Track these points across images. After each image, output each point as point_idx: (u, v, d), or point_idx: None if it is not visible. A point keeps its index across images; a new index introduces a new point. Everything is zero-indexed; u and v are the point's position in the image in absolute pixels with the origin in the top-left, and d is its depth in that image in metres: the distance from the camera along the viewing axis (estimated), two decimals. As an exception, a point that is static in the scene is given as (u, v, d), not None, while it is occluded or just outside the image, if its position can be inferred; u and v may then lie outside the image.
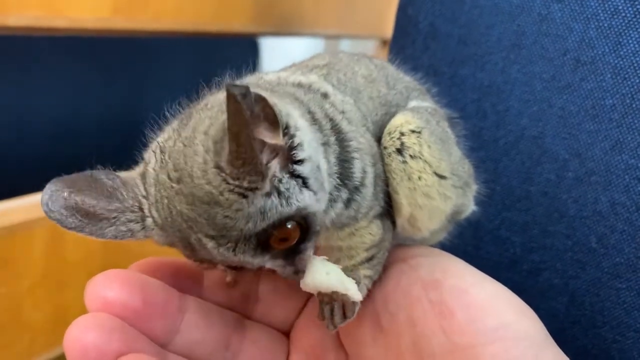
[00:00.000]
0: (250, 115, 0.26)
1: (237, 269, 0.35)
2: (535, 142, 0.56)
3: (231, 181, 0.29)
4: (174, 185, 0.31)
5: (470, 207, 0.45)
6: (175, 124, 0.34)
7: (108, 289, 0.34)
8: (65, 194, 0.31)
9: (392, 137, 0.38)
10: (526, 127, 0.56)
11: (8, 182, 0.85)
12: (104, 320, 0.32)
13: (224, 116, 0.28)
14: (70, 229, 0.31)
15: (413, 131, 0.38)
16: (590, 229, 0.54)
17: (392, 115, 0.40)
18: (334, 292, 0.35)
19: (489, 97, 0.58)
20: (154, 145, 0.34)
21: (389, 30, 0.68)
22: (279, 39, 1.33)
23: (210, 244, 0.31)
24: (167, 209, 0.31)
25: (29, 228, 0.79)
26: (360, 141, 0.36)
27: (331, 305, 0.36)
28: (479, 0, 0.58)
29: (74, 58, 0.98)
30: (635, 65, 0.50)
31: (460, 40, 0.59)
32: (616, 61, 0.51)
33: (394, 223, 0.41)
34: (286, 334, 0.43)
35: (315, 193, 0.32)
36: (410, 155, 0.38)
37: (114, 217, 0.32)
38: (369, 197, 0.37)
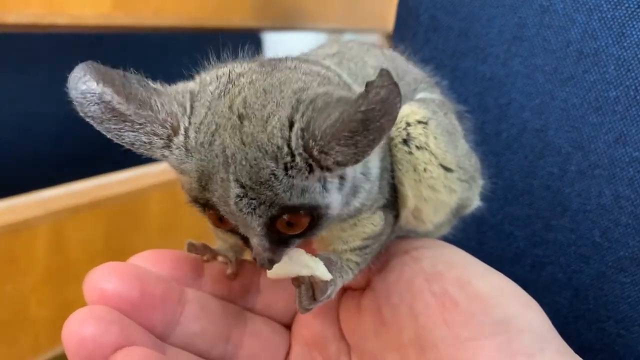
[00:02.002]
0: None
1: (219, 226, 0.33)
2: (537, 135, 0.55)
3: (304, 151, 0.28)
4: (233, 117, 0.30)
5: (475, 202, 0.45)
6: (253, 65, 0.33)
7: (106, 281, 0.34)
8: (96, 79, 0.29)
9: (399, 128, 0.38)
10: (528, 120, 0.56)
11: (11, 179, 0.85)
12: (102, 313, 0.32)
13: (338, 92, 0.27)
14: (88, 117, 0.29)
15: (419, 122, 0.38)
16: (594, 223, 0.53)
17: None
18: (300, 276, 0.35)
19: (490, 90, 0.57)
20: (220, 72, 0.33)
21: (391, 24, 0.67)
22: (282, 34, 1.33)
23: (235, 190, 0.29)
24: (211, 136, 0.30)
25: (33, 225, 0.79)
26: None
27: (300, 288, 0.36)
28: (480, -8, 0.58)
29: (74, 55, 0.98)
30: (639, 56, 0.49)
31: (461, 32, 0.59)
32: (619, 52, 0.50)
33: (396, 217, 0.41)
34: (287, 326, 0.43)
35: (342, 197, 0.32)
36: (417, 146, 0.37)
37: (140, 124, 0.30)
38: (374, 191, 0.36)
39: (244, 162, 0.29)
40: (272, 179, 0.29)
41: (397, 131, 0.38)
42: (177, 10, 0.91)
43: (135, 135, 0.30)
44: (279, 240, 0.32)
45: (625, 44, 0.50)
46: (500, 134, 0.57)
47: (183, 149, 0.31)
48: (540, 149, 0.55)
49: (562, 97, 0.54)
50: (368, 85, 0.25)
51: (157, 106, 0.30)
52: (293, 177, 0.29)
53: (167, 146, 0.31)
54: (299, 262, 0.35)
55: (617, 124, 0.51)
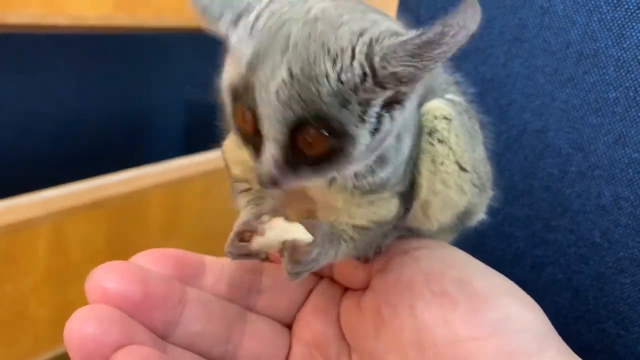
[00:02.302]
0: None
1: (241, 125, 0.33)
2: (538, 136, 0.55)
3: (366, 56, 0.28)
4: (309, 17, 0.30)
5: (480, 214, 0.45)
6: None
7: (108, 280, 0.34)
8: None
9: (427, 119, 0.39)
10: (529, 121, 0.56)
11: (12, 179, 0.85)
12: (103, 312, 0.32)
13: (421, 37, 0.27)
14: None
15: (445, 117, 0.38)
16: (593, 224, 0.53)
17: (428, 99, 0.40)
18: (283, 243, 0.35)
19: (491, 91, 0.57)
20: None
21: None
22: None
23: (283, 75, 0.29)
24: (281, 24, 0.30)
25: (33, 226, 0.79)
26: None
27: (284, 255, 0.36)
28: (480, -7, 0.58)
29: (75, 55, 0.98)
30: (639, 57, 0.49)
31: (461, 33, 0.59)
32: (619, 54, 0.50)
33: (405, 211, 0.41)
34: (288, 326, 0.43)
35: (370, 149, 0.32)
36: (439, 139, 0.38)
37: None
38: (400, 171, 0.37)
39: (303, 53, 0.29)
40: (323, 78, 0.29)
41: (426, 121, 0.39)
42: (178, 10, 0.91)
43: (211, 2, 0.31)
44: (292, 162, 0.31)
45: (624, 46, 0.50)
46: (501, 134, 0.57)
47: (248, 29, 0.31)
48: (541, 150, 0.56)
49: (562, 98, 0.54)
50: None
51: None
52: (342, 83, 0.29)
53: (234, 22, 0.31)
54: (279, 229, 0.35)
55: (617, 125, 0.51)
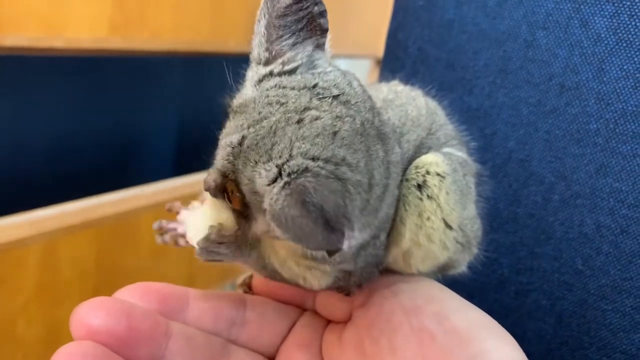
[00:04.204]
0: None
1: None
2: (522, 165, 0.57)
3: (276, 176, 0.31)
4: (296, 116, 0.32)
5: (462, 267, 0.46)
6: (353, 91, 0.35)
7: (93, 316, 0.34)
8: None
9: (419, 172, 0.39)
10: (513, 150, 0.57)
11: (2, 199, 0.86)
12: (89, 349, 0.32)
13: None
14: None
15: (438, 174, 0.39)
16: (576, 251, 0.54)
17: (422, 154, 0.41)
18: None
19: (476, 120, 0.59)
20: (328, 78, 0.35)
21: (382, 50, 0.69)
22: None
23: (235, 137, 0.33)
24: (278, 99, 0.33)
25: (24, 245, 0.79)
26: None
27: None
28: (466, 26, 0.59)
29: (70, 76, 0.99)
30: (618, 91, 0.51)
31: (448, 64, 0.60)
32: (600, 87, 0.52)
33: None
34: (271, 358, 0.43)
35: None
36: (428, 195, 0.39)
37: (269, 38, 0.35)
38: (349, 253, 0.37)
39: (258, 136, 0.32)
40: (253, 163, 0.32)
41: (415, 175, 0.39)
42: (173, 34, 0.92)
43: (259, 39, 0.35)
44: (224, 190, 0.35)
45: (604, 79, 0.52)
46: (486, 163, 0.58)
47: (257, 77, 0.35)
48: (525, 178, 0.57)
49: (545, 128, 0.55)
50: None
51: (286, 45, 0.35)
52: (257, 177, 0.31)
53: (258, 63, 0.35)
54: (203, 212, 0.39)
55: (598, 155, 0.53)
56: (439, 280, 0.43)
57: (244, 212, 0.35)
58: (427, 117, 0.44)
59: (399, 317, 0.37)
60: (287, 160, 0.30)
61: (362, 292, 0.42)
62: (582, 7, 0.53)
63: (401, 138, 0.41)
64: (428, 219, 0.39)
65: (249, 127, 0.32)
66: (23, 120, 0.94)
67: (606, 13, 0.51)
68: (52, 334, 0.85)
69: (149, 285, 0.39)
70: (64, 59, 0.94)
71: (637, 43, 0.50)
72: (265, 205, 0.30)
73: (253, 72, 0.35)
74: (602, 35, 0.52)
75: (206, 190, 0.36)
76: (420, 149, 0.42)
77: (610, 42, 0.51)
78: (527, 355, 0.35)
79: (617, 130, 0.52)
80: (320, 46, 0.36)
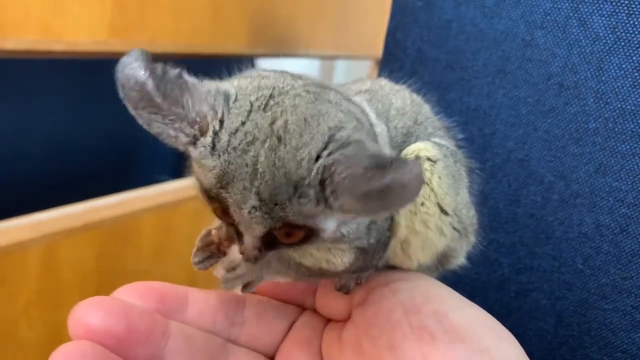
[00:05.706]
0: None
1: (220, 217, 0.35)
2: (521, 164, 0.57)
3: (319, 185, 0.30)
4: (273, 138, 0.31)
5: (460, 258, 0.45)
6: (297, 85, 0.34)
7: (92, 316, 0.34)
8: (143, 68, 0.30)
9: (409, 159, 0.38)
10: (512, 150, 0.57)
11: (3, 202, 0.86)
12: (87, 348, 0.32)
13: (371, 145, 0.31)
14: (126, 100, 0.30)
15: (428, 158, 0.39)
16: (576, 251, 0.54)
17: (410, 143, 0.41)
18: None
19: (475, 120, 0.59)
20: (262, 83, 0.33)
21: (381, 51, 0.69)
22: (276, 60, 1.35)
23: (253, 202, 0.31)
24: (246, 145, 0.31)
25: (25, 248, 0.79)
26: None
27: None
28: (464, 27, 0.60)
29: (70, 79, 0.99)
30: (616, 89, 0.51)
31: (447, 65, 0.61)
32: (598, 86, 0.52)
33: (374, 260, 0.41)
34: (270, 358, 0.43)
35: (337, 225, 0.34)
36: None
37: (170, 120, 0.31)
38: (362, 228, 0.37)
39: (269, 182, 0.30)
40: (287, 202, 0.30)
41: None
42: (173, 36, 0.93)
43: (164, 128, 0.31)
44: (271, 243, 0.33)
45: (603, 78, 0.52)
46: (485, 163, 0.58)
47: (209, 148, 0.31)
48: (524, 178, 0.57)
49: (544, 128, 0.55)
50: (400, 162, 0.27)
51: (188, 105, 0.31)
52: (304, 205, 0.30)
53: (193, 143, 0.32)
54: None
55: (597, 154, 0.53)
56: (440, 279, 0.43)
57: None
58: (413, 108, 0.44)
59: (398, 316, 0.37)
60: (309, 174, 0.30)
61: (361, 291, 0.42)
62: (580, 6, 0.53)
63: (388, 123, 0.41)
64: (422, 204, 0.39)
65: (252, 182, 0.31)
66: (24, 123, 0.94)
67: (604, 12, 0.52)
68: (53, 336, 0.85)
69: (148, 284, 0.39)
70: (64, 62, 0.94)
71: (636, 41, 0.50)
72: (336, 204, 0.29)
73: (198, 152, 0.32)
74: (600, 34, 0.52)
75: (251, 261, 0.35)
76: (409, 138, 0.41)
77: (609, 41, 0.51)
78: (528, 354, 0.36)
79: (616, 129, 0.52)
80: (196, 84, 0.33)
